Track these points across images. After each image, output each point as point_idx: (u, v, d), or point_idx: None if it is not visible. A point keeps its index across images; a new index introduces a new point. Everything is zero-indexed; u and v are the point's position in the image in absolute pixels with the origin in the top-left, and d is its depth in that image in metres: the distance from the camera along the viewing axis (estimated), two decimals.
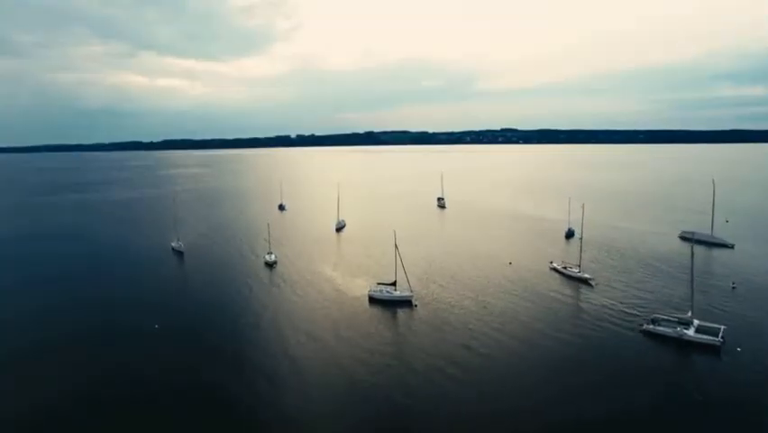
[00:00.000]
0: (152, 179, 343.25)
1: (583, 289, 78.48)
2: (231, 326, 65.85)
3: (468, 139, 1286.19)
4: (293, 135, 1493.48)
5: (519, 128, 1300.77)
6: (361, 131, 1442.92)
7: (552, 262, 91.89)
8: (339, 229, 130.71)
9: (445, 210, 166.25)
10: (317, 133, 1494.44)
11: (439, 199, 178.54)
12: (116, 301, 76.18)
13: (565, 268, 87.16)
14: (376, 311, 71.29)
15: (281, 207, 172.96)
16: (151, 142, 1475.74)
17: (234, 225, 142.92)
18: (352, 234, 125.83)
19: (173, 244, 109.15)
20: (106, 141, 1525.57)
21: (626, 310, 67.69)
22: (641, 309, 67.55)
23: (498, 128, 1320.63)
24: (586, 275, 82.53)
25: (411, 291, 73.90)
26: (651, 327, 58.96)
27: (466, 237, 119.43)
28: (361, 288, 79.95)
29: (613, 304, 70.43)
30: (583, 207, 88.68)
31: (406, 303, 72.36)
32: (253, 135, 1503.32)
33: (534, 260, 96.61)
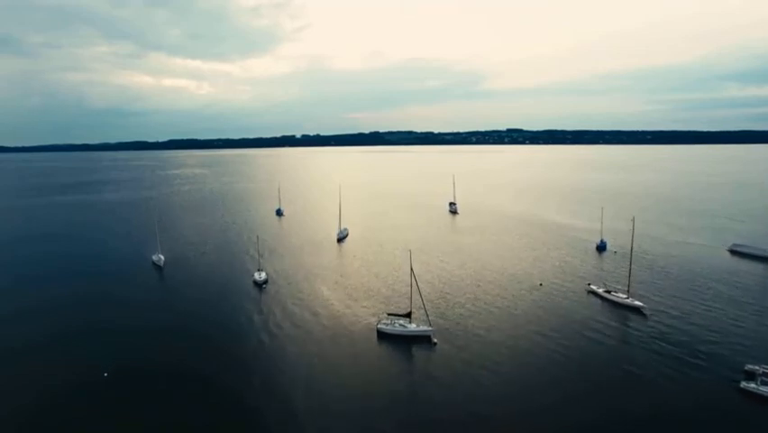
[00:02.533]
0: (152, 180, 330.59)
1: (635, 320, 64.56)
2: (198, 369, 52.36)
3: (474, 139, 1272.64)
4: (298, 135, 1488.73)
5: (525, 128, 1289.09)
6: (366, 131, 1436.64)
7: (590, 285, 78.03)
8: (341, 239, 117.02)
9: (458, 216, 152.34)
10: (322, 133, 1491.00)
11: (451, 204, 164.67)
12: (59, 331, 63.22)
13: (609, 292, 73.26)
14: (386, 350, 57.80)
15: (278, 213, 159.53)
16: (157, 142, 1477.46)
17: (226, 232, 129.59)
18: (356, 245, 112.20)
19: (153, 257, 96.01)
20: (112, 140, 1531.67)
21: (702, 354, 53.74)
22: (721, 353, 53.72)
23: (504, 128, 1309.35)
24: (636, 302, 68.60)
25: (430, 325, 60.25)
26: (752, 385, 44.95)
27: (485, 250, 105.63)
28: (366, 317, 66.39)
29: (680, 344, 56.49)
30: (633, 222, 74.50)
31: (424, 340, 58.78)
32: (258, 135, 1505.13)
33: (566, 279, 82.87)
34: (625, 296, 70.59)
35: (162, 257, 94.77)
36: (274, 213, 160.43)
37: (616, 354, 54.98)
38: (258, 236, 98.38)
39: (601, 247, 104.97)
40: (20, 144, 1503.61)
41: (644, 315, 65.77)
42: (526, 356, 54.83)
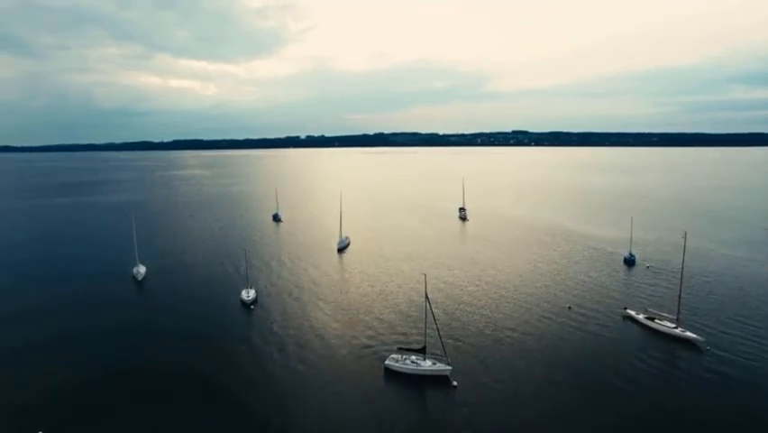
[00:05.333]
0: (150, 181, 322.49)
1: (689, 357, 54.19)
2: (160, 416, 42.58)
3: (479, 141, 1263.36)
4: (302, 136, 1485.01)
5: (530, 130, 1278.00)
6: (370, 132, 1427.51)
7: (626, 309, 67.68)
8: (342, 249, 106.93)
9: (468, 223, 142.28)
10: (327, 134, 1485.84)
11: (460, 210, 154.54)
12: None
13: (652, 319, 62.99)
14: (395, 392, 47.95)
15: (276, 218, 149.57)
16: (162, 142, 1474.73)
17: (217, 240, 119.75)
18: (359, 256, 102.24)
19: (133, 270, 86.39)
20: (117, 141, 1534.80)
21: None
22: None
23: (510, 130, 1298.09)
24: (689, 333, 58.35)
25: (449, 363, 50.32)
26: None
27: (501, 262, 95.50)
28: (370, 348, 56.51)
29: (755, 391, 46.29)
30: (685, 237, 64.03)
31: (441, 380, 48.88)
32: (263, 136, 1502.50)
33: (596, 301, 72.67)
34: (673, 325, 60.33)
35: (142, 270, 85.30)
36: (271, 218, 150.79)
37: (672, 404, 44.76)
38: (246, 250, 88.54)
39: (630, 261, 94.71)
40: (26, 144, 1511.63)
41: (698, 350, 55.55)
42: (565, 403, 44.80)
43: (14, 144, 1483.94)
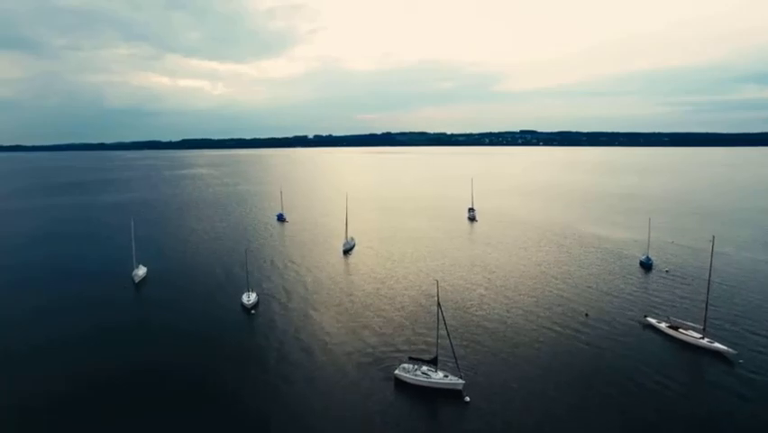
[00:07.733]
0: (157, 180, 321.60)
1: (719, 370, 50.47)
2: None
3: (486, 141, 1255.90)
4: (310, 135, 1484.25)
5: (539, 130, 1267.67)
6: (378, 132, 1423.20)
7: (646, 317, 63.97)
8: (347, 251, 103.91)
9: (477, 224, 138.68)
10: (335, 134, 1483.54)
11: (470, 210, 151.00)
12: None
13: (676, 329, 59.24)
14: (404, 404, 44.84)
15: (280, 218, 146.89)
16: (170, 142, 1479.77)
17: (221, 240, 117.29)
18: (365, 258, 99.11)
19: (132, 272, 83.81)
20: (127, 140, 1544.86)
21: None
22: None
23: (518, 130, 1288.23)
24: (717, 344, 54.57)
25: (461, 376, 47.05)
26: None
27: (511, 266, 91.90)
28: (376, 356, 53.49)
29: None
30: (713, 241, 59.79)
31: (453, 394, 45.61)
32: (271, 135, 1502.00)
33: (613, 308, 69.00)
34: (699, 335, 56.55)
35: (141, 273, 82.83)
36: (275, 219, 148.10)
37: (702, 422, 41.21)
38: (246, 250, 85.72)
39: (646, 264, 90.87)
40: (37, 144, 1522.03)
41: (729, 362, 51.77)
42: (584, 421, 41.44)
43: (26, 144, 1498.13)
